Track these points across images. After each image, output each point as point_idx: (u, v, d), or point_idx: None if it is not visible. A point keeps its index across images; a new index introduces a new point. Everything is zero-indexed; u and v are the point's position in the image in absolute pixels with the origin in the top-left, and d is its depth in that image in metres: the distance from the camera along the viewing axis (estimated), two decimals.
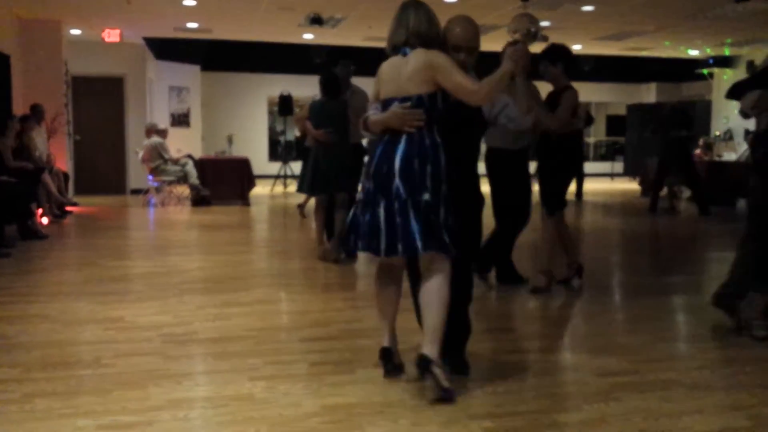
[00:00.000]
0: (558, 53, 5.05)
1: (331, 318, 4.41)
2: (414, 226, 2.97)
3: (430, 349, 2.98)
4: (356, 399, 3.00)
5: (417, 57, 3.06)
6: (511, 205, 5.19)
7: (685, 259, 7.08)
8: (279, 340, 3.92)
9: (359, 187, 3.05)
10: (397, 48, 3.14)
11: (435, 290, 3.03)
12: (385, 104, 3.14)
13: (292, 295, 5.12)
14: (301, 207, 9.85)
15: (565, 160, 5.08)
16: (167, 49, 14.47)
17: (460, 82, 2.99)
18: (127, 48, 13.17)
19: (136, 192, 12.90)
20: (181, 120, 15.52)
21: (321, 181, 6.23)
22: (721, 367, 3.49)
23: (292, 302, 4.92)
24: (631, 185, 15.90)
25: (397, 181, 3.00)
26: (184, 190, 11.85)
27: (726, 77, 15.02)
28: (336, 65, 6.87)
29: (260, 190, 13.05)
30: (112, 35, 12.24)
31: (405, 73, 3.06)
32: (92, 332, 4.01)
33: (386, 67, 3.18)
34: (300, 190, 6.67)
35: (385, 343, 3.33)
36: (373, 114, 3.19)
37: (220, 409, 2.89)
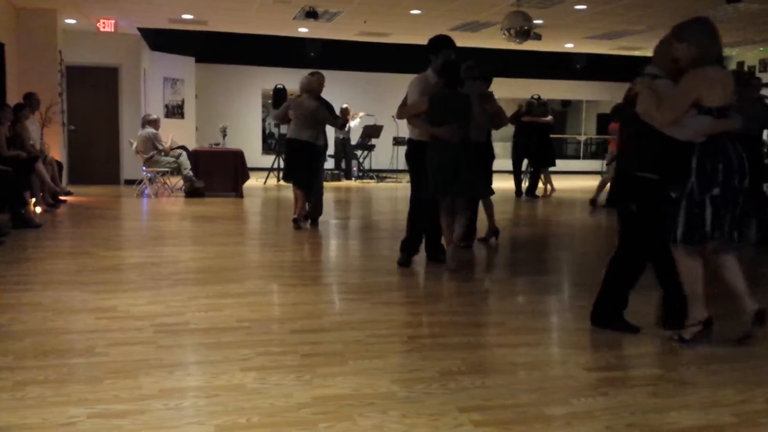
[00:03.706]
0: None
1: (323, 310, 4.43)
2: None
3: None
4: (347, 390, 3.03)
5: (730, 72, 3.75)
6: None
7: None
8: (271, 331, 3.94)
9: (692, 186, 3.51)
10: (720, 60, 3.64)
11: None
12: (720, 112, 3.56)
13: (284, 287, 5.13)
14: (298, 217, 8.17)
15: None
16: (162, 40, 14.42)
17: None
18: (122, 38, 13.11)
19: (129, 182, 12.87)
20: (175, 111, 15.48)
21: (444, 184, 5.45)
22: (708, 363, 3.52)
23: (284, 294, 4.94)
24: None
25: (748, 178, 3.63)
26: (177, 181, 11.84)
27: None
28: (436, 54, 5.70)
29: (253, 182, 13.05)
30: (107, 25, 12.19)
31: (728, 86, 3.61)
32: (85, 321, 4.02)
33: (716, 76, 3.57)
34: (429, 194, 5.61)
35: (707, 313, 3.72)
36: (710, 119, 3.56)
37: (211, 398, 2.91)
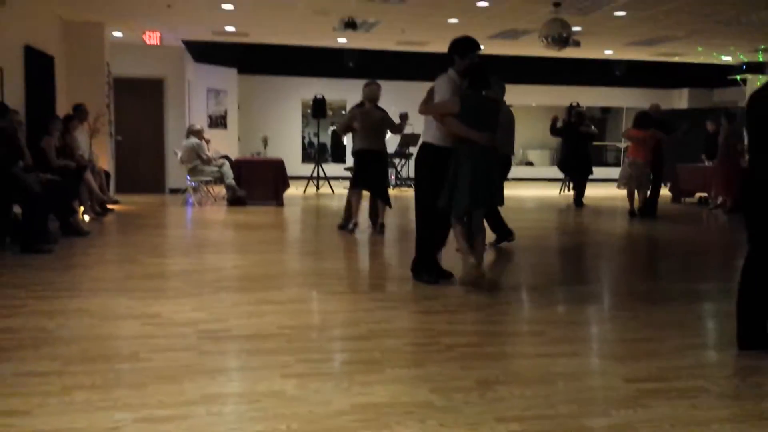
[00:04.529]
0: None
1: (361, 318, 4.47)
2: None
3: None
4: (385, 398, 3.05)
5: None
6: None
7: (718, 265, 6.99)
8: (310, 338, 3.99)
9: None
10: None
11: None
12: None
13: (323, 294, 5.19)
14: (353, 225, 8.46)
15: None
16: (205, 52, 14.73)
17: None
18: (167, 50, 13.43)
19: (174, 191, 13.14)
20: (218, 122, 15.77)
21: (484, 193, 5.21)
22: (751, 375, 3.45)
23: (324, 302, 4.99)
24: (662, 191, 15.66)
25: None
26: (220, 190, 12.05)
27: (759, 83, 14.82)
28: (462, 56, 5.39)
29: (293, 191, 13.19)
30: (152, 38, 12.50)
31: None
32: (130, 327, 4.12)
33: None
34: (452, 205, 5.26)
35: None
36: None
37: (252, 404, 2.96)
